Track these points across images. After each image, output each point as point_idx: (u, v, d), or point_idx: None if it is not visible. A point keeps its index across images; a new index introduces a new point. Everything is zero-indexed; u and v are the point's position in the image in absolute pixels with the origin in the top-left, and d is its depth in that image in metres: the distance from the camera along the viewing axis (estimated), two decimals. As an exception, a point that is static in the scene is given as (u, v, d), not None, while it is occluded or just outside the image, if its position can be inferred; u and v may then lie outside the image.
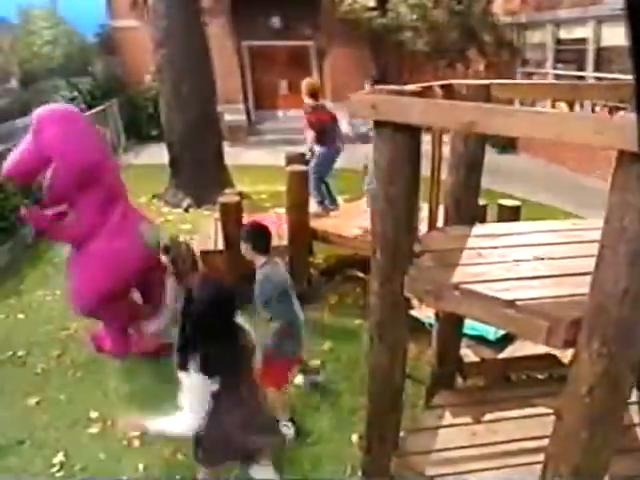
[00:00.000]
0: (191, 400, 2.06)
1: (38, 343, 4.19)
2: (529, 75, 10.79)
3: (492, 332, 3.13)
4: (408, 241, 2.08)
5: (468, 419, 2.78)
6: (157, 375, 3.74)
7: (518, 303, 1.83)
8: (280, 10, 11.83)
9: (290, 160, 5.39)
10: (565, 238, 2.48)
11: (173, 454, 3.05)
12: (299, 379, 3.62)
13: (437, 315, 2.88)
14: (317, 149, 5.19)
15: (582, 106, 9.12)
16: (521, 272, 2.05)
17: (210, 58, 7.22)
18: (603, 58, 8.41)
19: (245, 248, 2.90)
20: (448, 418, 2.79)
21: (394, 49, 11.23)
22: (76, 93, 11.22)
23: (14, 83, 10.91)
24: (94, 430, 3.25)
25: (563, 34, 9.36)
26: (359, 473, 2.86)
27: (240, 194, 5.79)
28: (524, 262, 2.16)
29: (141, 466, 2.97)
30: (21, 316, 4.63)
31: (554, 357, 3.03)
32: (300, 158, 5.58)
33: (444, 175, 2.57)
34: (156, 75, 7.31)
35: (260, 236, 2.93)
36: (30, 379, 3.77)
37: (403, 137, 1.90)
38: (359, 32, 11.32)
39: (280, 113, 13.62)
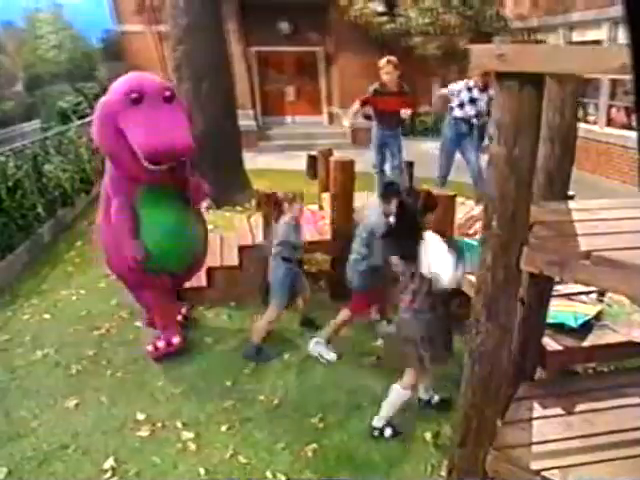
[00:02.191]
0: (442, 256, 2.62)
1: (69, 344, 3.95)
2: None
3: (572, 318, 2.97)
4: (527, 209, 1.92)
5: (559, 411, 2.60)
6: (204, 375, 3.55)
7: (663, 270, 1.67)
8: (289, 15, 11.80)
9: (323, 154, 5.26)
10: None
11: (233, 456, 2.83)
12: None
13: (522, 301, 2.70)
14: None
15: (597, 107, 9.15)
16: (650, 241, 1.90)
17: (229, 56, 7.08)
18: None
19: None
20: (538, 410, 2.60)
21: (404, 54, 11.19)
22: (81, 98, 11.04)
23: (19, 87, 10.71)
24: (144, 433, 3.00)
25: (576, 37, 9.40)
26: (442, 472, 2.66)
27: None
28: (646, 233, 2.01)
29: (202, 470, 2.73)
30: (47, 316, 4.38)
31: (639, 345, 2.87)
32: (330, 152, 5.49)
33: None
34: (174, 73, 7.14)
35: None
36: (65, 380, 3.52)
37: (530, 92, 1.75)
38: (368, 37, 11.30)
39: (288, 119, 13.53)
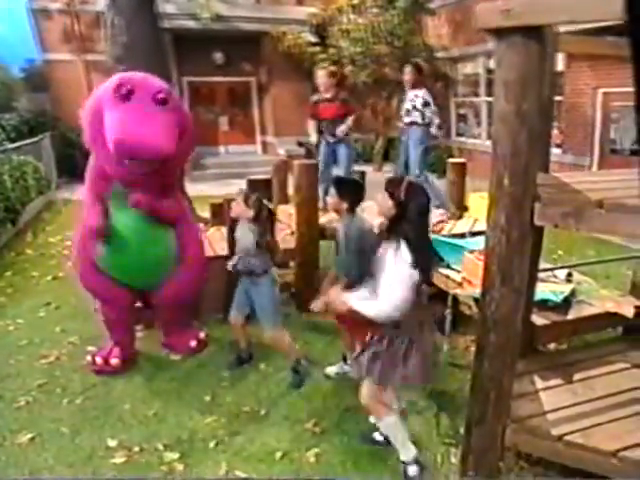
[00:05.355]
0: (394, 288, 2.10)
1: (11, 375, 3.45)
2: (462, 104, 11.67)
3: (553, 295, 3.06)
4: (538, 164, 1.96)
5: (560, 381, 2.63)
6: (177, 392, 3.24)
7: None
8: (222, 46, 11.84)
9: (278, 166, 5.20)
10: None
11: (229, 472, 2.54)
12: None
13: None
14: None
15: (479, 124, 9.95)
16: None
17: (171, 76, 6.89)
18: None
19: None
20: (540, 382, 2.62)
21: (336, 82, 11.59)
22: (-1, 129, 10.20)
23: None
24: (119, 460, 2.63)
25: (492, 64, 10.24)
26: (452, 460, 2.56)
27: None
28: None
29: (195, 492, 2.43)
30: (-20, 350, 3.81)
31: (615, 314, 3.00)
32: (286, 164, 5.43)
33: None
34: (112, 95, 6.80)
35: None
36: (13, 415, 3.03)
37: (534, 46, 1.80)
38: (300, 67, 11.59)
39: (222, 149, 13.38)
